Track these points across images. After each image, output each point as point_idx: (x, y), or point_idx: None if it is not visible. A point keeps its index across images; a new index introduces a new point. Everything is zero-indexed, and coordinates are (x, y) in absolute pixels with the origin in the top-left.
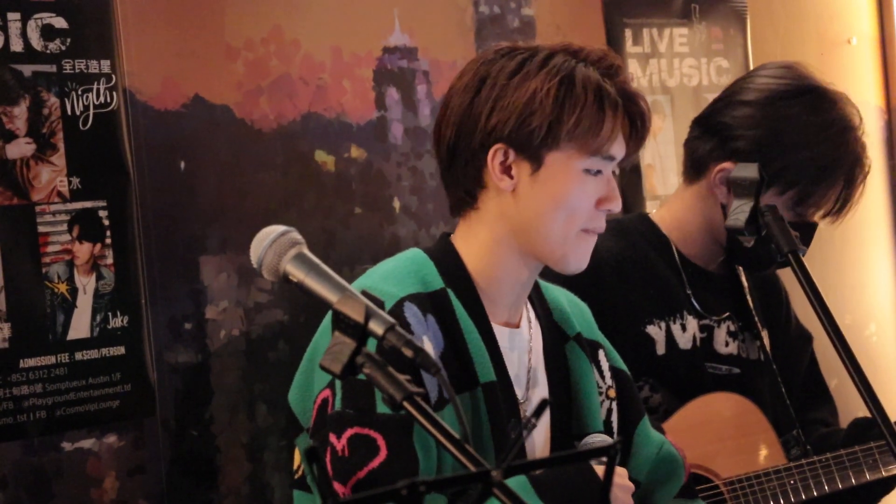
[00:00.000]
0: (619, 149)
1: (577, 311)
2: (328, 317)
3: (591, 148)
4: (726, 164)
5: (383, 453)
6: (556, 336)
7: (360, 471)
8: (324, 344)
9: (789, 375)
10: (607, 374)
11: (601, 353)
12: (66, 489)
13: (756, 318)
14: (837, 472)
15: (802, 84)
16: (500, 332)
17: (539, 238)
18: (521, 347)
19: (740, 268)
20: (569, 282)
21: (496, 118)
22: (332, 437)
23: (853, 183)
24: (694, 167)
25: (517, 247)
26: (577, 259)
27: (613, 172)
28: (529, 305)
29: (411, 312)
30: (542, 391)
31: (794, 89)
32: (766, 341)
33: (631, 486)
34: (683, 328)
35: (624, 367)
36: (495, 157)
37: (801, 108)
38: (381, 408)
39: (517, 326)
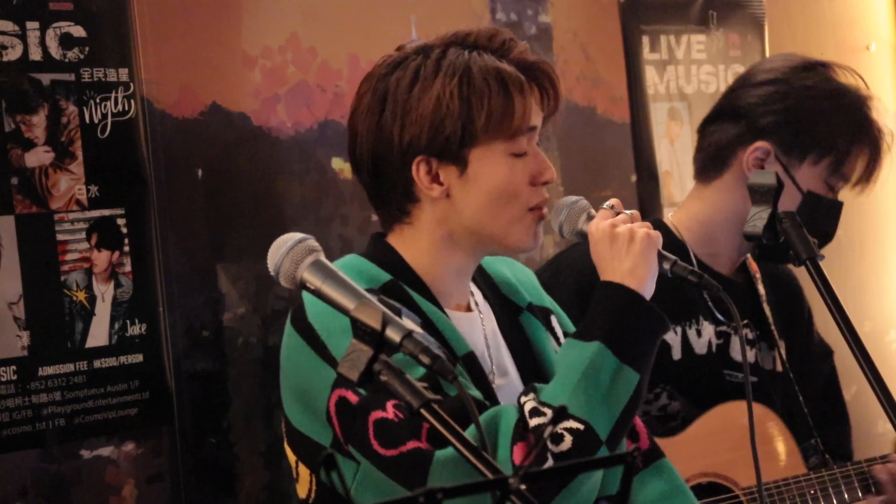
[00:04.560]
0: (535, 117)
1: (524, 280)
2: (288, 340)
3: (510, 132)
4: (759, 144)
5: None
6: (508, 310)
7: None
8: (298, 367)
9: (805, 388)
10: (562, 339)
11: (553, 319)
12: (85, 497)
13: (773, 329)
14: (858, 482)
15: (812, 60)
16: (454, 316)
17: (487, 231)
18: (477, 330)
19: (757, 277)
20: (584, 289)
21: (409, 134)
22: (377, 413)
23: (879, 146)
24: (716, 161)
25: (459, 246)
26: (527, 240)
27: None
28: (475, 287)
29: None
30: (507, 367)
31: (806, 64)
32: (783, 352)
33: (657, 234)
34: (699, 333)
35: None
36: (419, 169)
37: (817, 78)
38: None
39: (469, 310)
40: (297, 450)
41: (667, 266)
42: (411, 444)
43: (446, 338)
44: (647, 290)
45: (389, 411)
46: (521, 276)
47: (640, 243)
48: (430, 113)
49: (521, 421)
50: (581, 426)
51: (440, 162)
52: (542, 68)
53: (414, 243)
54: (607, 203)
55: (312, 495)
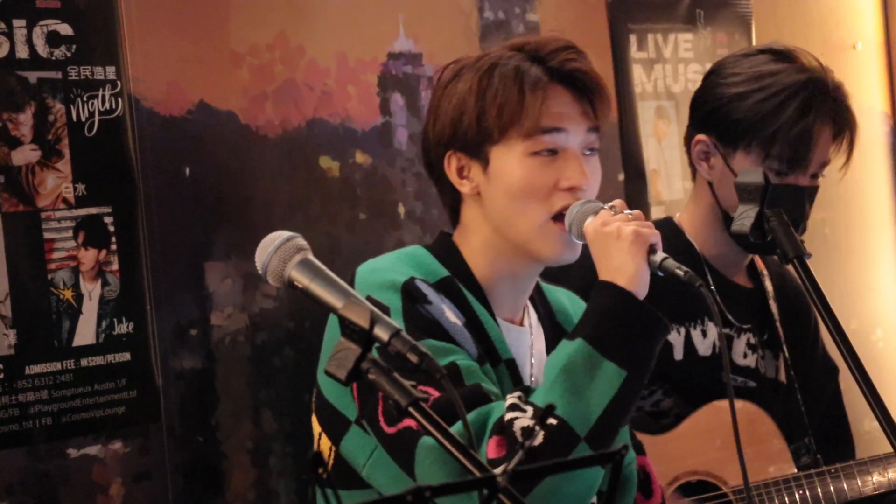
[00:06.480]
0: (567, 120)
1: (579, 313)
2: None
3: (525, 130)
4: (699, 137)
5: (437, 393)
6: (558, 336)
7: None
8: (337, 339)
9: (805, 398)
10: None
11: None
12: (72, 496)
13: (778, 327)
14: (846, 482)
15: (757, 47)
16: (504, 326)
17: (512, 233)
18: (525, 346)
19: (765, 274)
20: (591, 285)
21: (437, 128)
22: None
23: (807, 131)
24: (689, 159)
25: (503, 251)
26: (552, 250)
27: (593, 149)
28: (531, 307)
29: (425, 287)
30: None
31: (746, 52)
32: (788, 357)
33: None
34: (704, 334)
35: None
36: (450, 164)
37: (747, 64)
38: None
39: (520, 325)
40: (322, 421)
41: (656, 260)
42: (406, 423)
43: (492, 339)
44: (639, 286)
45: None
46: (578, 311)
47: (626, 240)
48: (452, 108)
49: (503, 416)
50: (554, 421)
51: (466, 157)
52: (581, 77)
53: (469, 244)
54: (609, 203)
55: (329, 468)
